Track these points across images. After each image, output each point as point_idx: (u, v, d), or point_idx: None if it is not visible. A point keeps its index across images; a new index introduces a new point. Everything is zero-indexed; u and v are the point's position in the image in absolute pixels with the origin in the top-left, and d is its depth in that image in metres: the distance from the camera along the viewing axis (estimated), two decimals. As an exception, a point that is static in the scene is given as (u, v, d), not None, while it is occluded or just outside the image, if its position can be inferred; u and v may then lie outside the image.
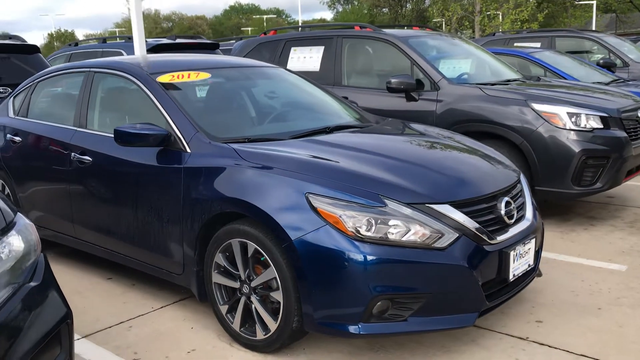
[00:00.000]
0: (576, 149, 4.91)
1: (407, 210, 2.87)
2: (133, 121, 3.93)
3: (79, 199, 4.11)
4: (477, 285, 2.93)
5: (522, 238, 3.18)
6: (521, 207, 3.37)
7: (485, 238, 2.97)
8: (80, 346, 3.30)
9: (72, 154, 4.10)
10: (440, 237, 2.86)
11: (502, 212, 3.12)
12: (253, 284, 3.11)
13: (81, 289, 4.14)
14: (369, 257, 2.78)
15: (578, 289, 3.87)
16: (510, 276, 3.10)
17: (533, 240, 3.29)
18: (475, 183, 3.18)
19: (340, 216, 2.82)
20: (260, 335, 3.12)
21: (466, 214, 2.97)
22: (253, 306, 3.14)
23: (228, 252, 3.21)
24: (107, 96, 4.23)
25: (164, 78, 3.88)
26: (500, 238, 3.05)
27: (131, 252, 3.83)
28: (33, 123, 4.65)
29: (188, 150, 3.44)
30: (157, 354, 3.21)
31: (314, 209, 2.87)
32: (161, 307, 3.79)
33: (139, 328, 3.51)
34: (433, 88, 5.60)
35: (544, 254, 4.50)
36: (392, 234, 2.82)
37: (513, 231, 3.16)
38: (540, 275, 3.58)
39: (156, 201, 3.54)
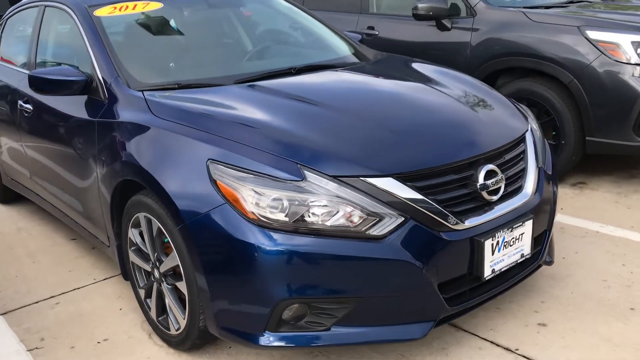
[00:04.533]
0: (642, 89, 3.82)
1: (332, 185, 2.12)
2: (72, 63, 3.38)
3: (30, 154, 3.65)
4: (429, 286, 2.16)
5: (509, 220, 2.35)
6: (519, 177, 2.51)
7: (446, 222, 2.18)
8: (-10, 327, 2.90)
9: (19, 101, 3.63)
10: (377, 222, 2.10)
11: (479, 185, 2.29)
12: (162, 269, 2.52)
13: (37, 252, 3.74)
14: (275, 249, 2.08)
15: (612, 277, 2.97)
16: (487, 272, 2.29)
17: (529, 223, 2.42)
18: (442, 146, 2.34)
19: (240, 193, 2.13)
20: (173, 330, 2.55)
21: (419, 189, 2.17)
22: (165, 295, 2.56)
23: (141, 228, 2.63)
24: (53, 34, 3.66)
25: (103, 11, 3.25)
26: (470, 222, 2.24)
27: (75, 216, 3.35)
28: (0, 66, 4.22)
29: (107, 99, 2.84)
30: (63, 343, 2.73)
31: (214, 182, 2.20)
32: (104, 279, 3.31)
33: (64, 306, 3.05)
34: (469, 14, 4.58)
35: (585, 223, 3.59)
36: (312, 216, 2.10)
37: (496, 212, 2.33)
38: (550, 263, 2.72)
39: (80, 161, 3.00)
